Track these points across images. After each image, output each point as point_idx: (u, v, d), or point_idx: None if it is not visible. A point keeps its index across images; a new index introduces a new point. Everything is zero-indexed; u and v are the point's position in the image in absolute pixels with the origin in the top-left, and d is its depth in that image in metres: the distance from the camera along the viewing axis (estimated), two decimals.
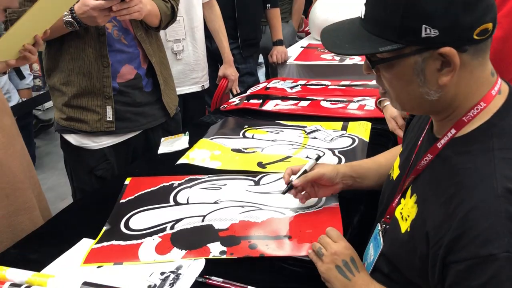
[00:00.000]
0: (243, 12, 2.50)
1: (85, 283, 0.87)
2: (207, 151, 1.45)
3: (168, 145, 1.54)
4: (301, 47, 2.78)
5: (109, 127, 1.48)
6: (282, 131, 1.58)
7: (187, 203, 1.16)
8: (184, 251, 0.97)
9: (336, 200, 1.10)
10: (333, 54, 2.43)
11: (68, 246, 1.02)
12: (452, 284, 0.65)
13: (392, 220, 0.84)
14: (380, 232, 0.87)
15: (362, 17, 0.72)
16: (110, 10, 1.30)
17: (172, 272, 0.91)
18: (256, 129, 1.61)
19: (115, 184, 1.29)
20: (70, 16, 1.31)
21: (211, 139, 1.54)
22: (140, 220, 1.10)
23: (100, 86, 1.45)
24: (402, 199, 0.82)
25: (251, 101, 1.88)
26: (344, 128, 1.56)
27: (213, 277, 0.88)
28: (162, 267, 0.92)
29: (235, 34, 2.50)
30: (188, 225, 1.06)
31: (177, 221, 1.08)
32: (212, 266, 0.92)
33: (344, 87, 1.98)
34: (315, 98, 1.85)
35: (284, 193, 1.04)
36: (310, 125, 1.59)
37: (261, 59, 3.43)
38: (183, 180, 1.27)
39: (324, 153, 1.39)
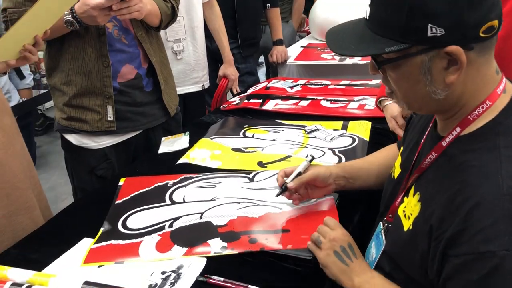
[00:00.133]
0: (243, 12, 2.50)
1: (86, 283, 0.87)
2: (208, 151, 1.45)
3: (168, 144, 1.54)
4: (301, 46, 2.78)
5: (110, 126, 1.48)
6: (282, 130, 1.58)
7: (184, 202, 1.16)
8: (185, 248, 0.97)
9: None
10: (333, 53, 2.44)
11: (69, 246, 1.02)
12: (448, 277, 0.66)
13: (395, 218, 0.84)
14: (382, 231, 0.87)
15: (367, 17, 0.72)
16: (110, 10, 1.30)
17: (173, 271, 0.91)
18: (256, 128, 1.61)
19: (115, 184, 1.29)
20: (70, 16, 1.32)
21: (212, 138, 1.54)
22: (138, 219, 1.10)
23: (101, 86, 1.45)
24: (405, 197, 0.82)
25: (251, 100, 1.88)
26: (344, 127, 1.56)
27: (214, 276, 0.88)
28: (163, 267, 0.92)
29: (235, 34, 2.50)
30: (186, 223, 1.07)
31: (175, 219, 1.08)
32: (213, 266, 0.92)
33: (344, 87, 1.98)
34: (315, 97, 1.85)
35: (278, 195, 1.05)
36: (310, 125, 1.59)
37: (261, 58, 3.43)
38: (177, 180, 1.27)
39: (325, 153, 1.39)
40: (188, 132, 1.61)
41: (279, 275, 0.91)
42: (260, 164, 1.35)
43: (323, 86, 2.02)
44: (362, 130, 1.53)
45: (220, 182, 1.25)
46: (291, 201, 1.08)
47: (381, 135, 1.49)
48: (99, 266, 0.95)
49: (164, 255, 0.96)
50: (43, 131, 4.00)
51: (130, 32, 1.48)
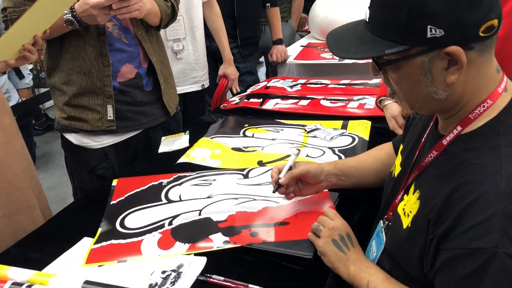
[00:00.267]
0: (242, 11, 2.50)
1: (86, 282, 0.87)
2: (208, 150, 1.45)
3: (168, 144, 1.54)
4: (301, 46, 2.78)
5: (110, 126, 1.48)
6: (282, 130, 1.58)
7: (180, 200, 1.17)
8: (187, 245, 0.98)
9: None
10: None
11: (69, 245, 1.02)
12: (438, 270, 0.68)
13: (395, 216, 0.84)
14: (383, 229, 0.88)
15: (367, 20, 0.72)
16: (110, 9, 1.30)
17: (173, 270, 0.91)
18: (256, 128, 1.61)
19: None
20: (70, 15, 1.31)
21: (212, 138, 1.54)
22: (136, 219, 1.10)
23: (101, 85, 1.45)
24: (405, 195, 0.83)
25: (251, 100, 1.88)
26: (344, 126, 1.56)
27: (214, 276, 0.88)
28: (163, 266, 0.92)
29: (235, 34, 2.50)
30: (186, 220, 1.07)
31: (174, 217, 1.09)
32: (213, 265, 0.92)
33: (344, 86, 1.98)
34: (315, 97, 1.85)
35: (274, 191, 1.05)
36: (310, 124, 1.59)
37: (261, 58, 3.43)
38: (171, 178, 1.28)
39: (324, 152, 1.39)
40: (188, 131, 1.61)
41: (279, 274, 0.91)
42: (260, 163, 1.35)
43: (323, 85, 2.02)
44: (362, 129, 1.53)
45: (215, 180, 1.25)
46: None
47: (381, 134, 1.49)
48: (100, 266, 0.95)
49: (167, 252, 0.97)
50: (43, 130, 4.00)
51: (130, 32, 1.48)
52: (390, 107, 1.45)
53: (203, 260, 0.94)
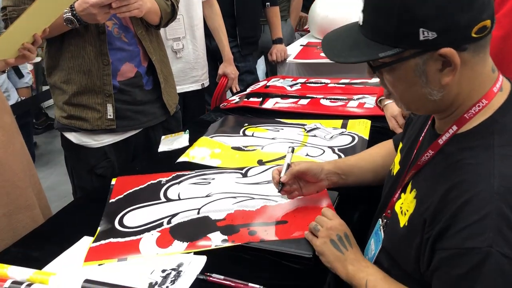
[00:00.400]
0: (242, 10, 2.50)
1: (86, 281, 0.87)
2: (207, 149, 1.45)
3: (168, 143, 1.54)
4: (301, 45, 2.78)
5: (110, 125, 1.48)
6: (282, 129, 1.58)
7: (179, 199, 1.17)
8: (186, 243, 0.98)
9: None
10: None
11: (69, 244, 1.02)
12: (434, 270, 0.69)
13: (392, 214, 0.85)
14: (381, 227, 0.88)
15: (361, 23, 0.73)
16: (110, 7, 1.30)
17: (173, 269, 0.91)
18: (256, 127, 1.61)
19: None
20: (70, 14, 1.31)
21: (211, 137, 1.54)
22: (135, 217, 1.10)
23: (101, 84, 1.45)
24: (403, 193, 0.83)
25: (251, 99, 1.88)
26: (344, 126, 1.57)
27: (214, 274, 0.88)
28: (163, 265, 0.93)
29: (234, 33, 2.50)
30: (185, 219, 1.07)
31: (173, 216, 1.09)
32: (213, 264, 0.93)
33: (343, 85, 1.98)
34: (314, 96, 1.85)
35: (279, 191, 1.05)
36: (310, 123, 1.59)
37: (261, 58, 3.43)
38: (170, 177, 1.28)
39: (324, 151, 1.39)
40: (188, 130, 1.61)
41: (279, 273, 0.91)
42: (260, 162, 1.35)
43: (323, 84, 2.02)
44: (362, 128, 1.53)
45: (213, 179, 1.25)
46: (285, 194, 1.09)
47: (380, 133, 1.49)
48: (100, 265, 0.95)
49: (166, 250, 0.97)
50: (43, 129, 4.00)
51: (130, 30, 1.48)
52: (390, 107, 1.45)
53: (203, 259, 0.94)
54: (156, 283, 0.88)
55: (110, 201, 1.18)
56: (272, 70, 2.79)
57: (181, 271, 0.90)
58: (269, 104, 1.81)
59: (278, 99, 1.85)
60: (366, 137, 1.47)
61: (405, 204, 0.80)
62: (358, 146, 1.41)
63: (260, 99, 1.86)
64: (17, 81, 3.32)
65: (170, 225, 1.05)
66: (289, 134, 1.53)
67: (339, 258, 0.87)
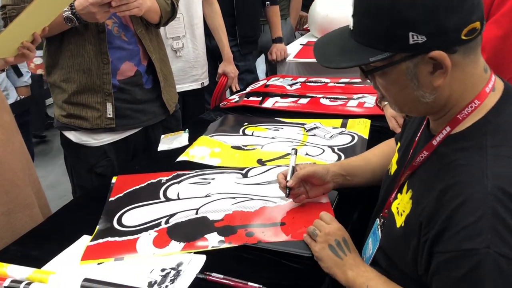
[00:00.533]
0: (242, 10, 2.50)
1: (86, 280, 0.87)
2: (207, 148, 1.45)
3: (168, 142, 1.54)
4: (301, 44, 2.78)
5: (109, 124, 1.48)
6: (282, 128, 1.58)
7: (178, 198, 1.17)
8: (182, 244, 0.98)
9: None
10: None
11: (68, 243, 1.02)
12: (433, 273, 0.68)
13: (389, 214, 0.85)
14: (379, 227, 0.88)
15: (351, 28, 0.73)
16: (110, 6, 1.30)
17: (172, 268, 0.91)
18: (255, 126, 1.61)
19: None
20: (70, 12, 1.31)
21: (211, 136, 1.54)
22: (133, 216, 1.10)
23: (100, 83, 1.45)
24: (399, 194, 0.83)
25: (251, 98, 1.88)
26: (344, 125, 1.56)
27: (213, 274, 0.88)
28: (162, 264, 0.93)
29: (234, 32, 2.50)
30: (182, 219, 1.07)
31: (171, 215, 1.09)
32: (213, 263, 0.92)
33: (343, 85, 1.98)
34: (314, 95, 1.85)
35: (287, 196, 1.04)
36: (310, 122, 1.59)
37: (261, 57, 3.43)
38: (170, 176, 1.28)
39: (324, 150, 1.39)
40: (187, 129, 1.61)
41: (278, 273, 0.91)
42: (260, 161, 1.35)
43: (323, 84, 2.02)
44: (362, 128, 1.53)
45: (213, 179, 1.25)
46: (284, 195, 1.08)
47: (380, 133, 1.49)
48: (99, 264, 0.95)
49: (162, 251, 0.96)
50: (43, 129, 3.99)
51: (129, 29, 1.48)
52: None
53: (202, 258, 0.94)
54: (155, 282, 0.88)
55: (110, 199, 1.18)
56: (272, 69, 2.79)
57: (180, 270, 0.90)
58: (269, 103, 1.81)
59: (278, 98, 1.85)
60: (366, 136, 1.47)
61: (401, 205, 0.80)
62: (357, 146, 1.41)
63: (260, 98, 1.86)
64: (16, 80, 3.31)
65: (168, 225, 1.05)
66: (288, 133, 1.53)
67: (337, 263, 0.86)
